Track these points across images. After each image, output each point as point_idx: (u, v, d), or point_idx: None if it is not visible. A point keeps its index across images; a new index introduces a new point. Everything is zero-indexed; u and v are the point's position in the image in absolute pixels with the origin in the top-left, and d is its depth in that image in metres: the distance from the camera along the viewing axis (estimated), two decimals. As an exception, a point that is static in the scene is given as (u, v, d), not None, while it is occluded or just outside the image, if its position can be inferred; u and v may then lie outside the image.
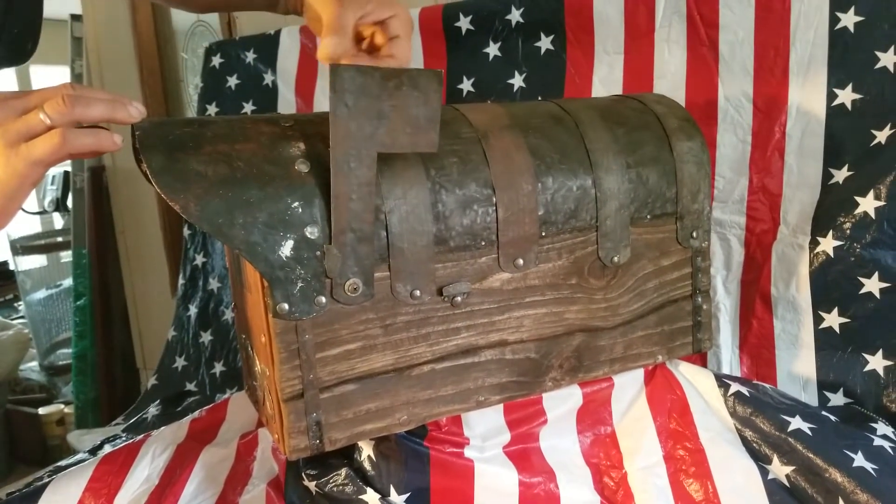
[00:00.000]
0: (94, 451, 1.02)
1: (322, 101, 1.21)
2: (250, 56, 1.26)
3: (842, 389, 0.81)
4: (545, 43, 1.01)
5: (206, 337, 1.27)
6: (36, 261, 2.33)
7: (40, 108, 0.50)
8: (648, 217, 0.69)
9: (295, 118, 0.58)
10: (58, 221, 2.75)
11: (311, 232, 0.53)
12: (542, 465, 0.66)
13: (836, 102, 0.82)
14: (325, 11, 0.61)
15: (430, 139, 0.55)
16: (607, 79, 0.97)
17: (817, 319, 0.82)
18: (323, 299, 0.55)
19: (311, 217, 0.53)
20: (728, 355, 0.89)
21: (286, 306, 0.53)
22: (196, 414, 0.76)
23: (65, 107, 0.50)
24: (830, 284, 0.81)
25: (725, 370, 0.89)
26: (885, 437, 0.70)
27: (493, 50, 1.05)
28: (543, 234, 0.63)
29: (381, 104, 0.52)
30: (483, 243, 0.61)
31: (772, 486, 0.65)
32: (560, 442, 0.68)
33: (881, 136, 0.80)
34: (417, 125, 0.54)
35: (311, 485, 0.60)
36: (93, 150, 0.52)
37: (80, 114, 0.51)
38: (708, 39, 0.90)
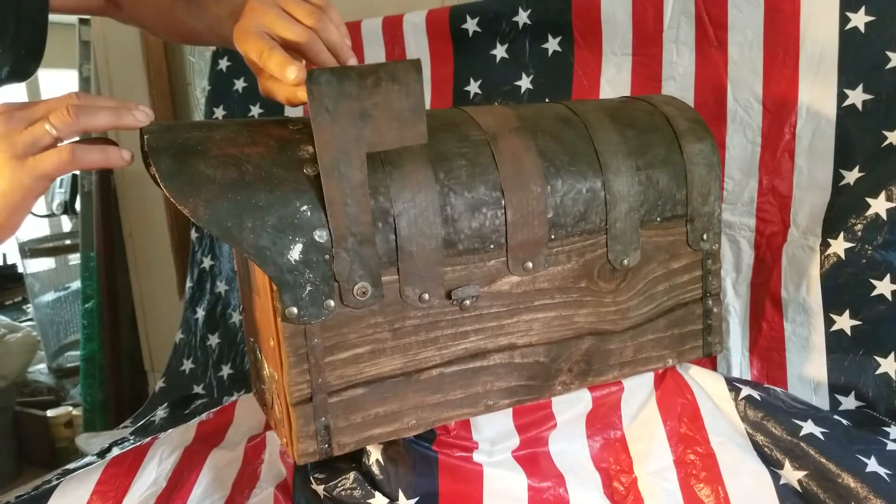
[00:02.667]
0: (102, 454, 1.02)
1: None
2: (257, 59, 1.26)
3: (853, 393, 0.80)
4: (552, 44, 1.01)
5: (214, 340, 1.28)
6: (44, 263, 2.33)
7: (46, 119, 0.50)
8: (658, 219, 0.68)
9: (303, 121, 0.58)
10: (66, 224, 2.76)
11: (320, 235, 0.53)
12: (551, 469, 0.65)
13: (846, 103, 0.82)
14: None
15: (418, 131, 0.53)
16: (615, 80, 0.97)
17: (828, 322, 0.82)
18: (332, 303, 0.54)
19: (320, 220, 0.53)
20: (738, 358, 0.89)
21: (295, 310, 0.53)
22: (203, 416, 0.76)
23: (70, 118, 0.49)
24: (841, 287, 0.81)
25: (735, 373, 0.88)
26: (898, 441, 0.69)
27: (500, 52, 1.05)
28: (553, 236, 0.63)
29: (362, 103, 0.51)
30: (492, 246, 0.60)
31: (784, 492, 0.65)
32: (569, 446, 0.67)
33: (892, 136, 0.79)
34: (403, 119, 0.53)
35: (320, 488, 0.59)
36: (101, 165, 0.52)
37: (86, 123, 0.50)
38: (717, 40, 0.89)
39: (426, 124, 0.54)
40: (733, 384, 0.72)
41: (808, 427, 0.67)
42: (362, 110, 0.52)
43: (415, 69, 0.52)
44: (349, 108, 0.51)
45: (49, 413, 1.91)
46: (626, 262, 0.67)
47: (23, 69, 0.66)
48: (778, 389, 0.74)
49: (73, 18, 1.76)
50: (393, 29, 1.11)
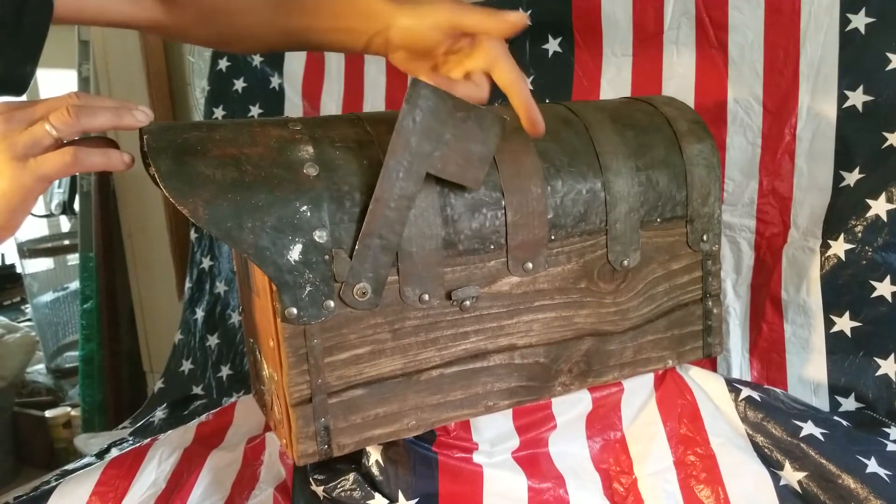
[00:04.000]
0: (101, 455, 1.01)
1: (328, 105, 1.21)
2: (257, 59, 1.26)
3: (853, 394, 0.80)
4: (553, 45, 1.00)
5: (213, 340, 1.27)
6: (43, 264, 2.33)
7: (46, 119, 0.49)
8: (658, 220, 0.68)
9: (303, 121, 0.58)
10: (65, 224, 2.75)
11: (320, 236, 0.53)
12: (551, 470, 0.65)
13: (847, 104, 0.82)
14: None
15: (475, 176, 0.57)
16: (615, 81, 0.97)
17: (828, 323, 0.82)
18: (331, 304, 0.54)
19: (320, 221, 0.53)
20: (738, 359, 0.89)
21: (294, 311, 0.53)
22: (203, 418, 0.76)
23: (70, 118, 0.49)
24: (842, 288, 0.81)
25: (735, 374, 0.88)
26: (898, 442, 0.69)
27: (500, 52, 1.04)
28: (553, 237, 0.63)
29: (444, 130, 0.54)
30: (492, 247, 0.60)
31: (784, 493, 0.65)
32: (569, 447, 0.67)
33: (893, 138, 0.79)
34: (469, 160, 0.56)
35: (319, 490, 0.59)
36: (103, 168, 0.52)
37: (86, 124, 0.50)
38: (717, 41, 0.89)
39: (484, 175, 0.57)
40: (733, 385, 0.72)
41: (809, 428, 0.67)
42: (441, 135, 0.54)
43: (500, 125, 0.56)
44: (432, 128, 0.54)
45: (47, 413, 1.90)
46: (626, 262, 0.67)
47: (15, 85, 0.64)
48: (778, 390, 0.74)
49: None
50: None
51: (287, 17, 0.65)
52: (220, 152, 0.52)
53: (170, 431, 0.75)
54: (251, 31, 0.68)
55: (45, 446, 1.90)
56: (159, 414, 1.20)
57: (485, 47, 0.59)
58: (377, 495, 0.58)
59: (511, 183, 0.60)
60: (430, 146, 0.54)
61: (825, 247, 0.82)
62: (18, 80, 0.61)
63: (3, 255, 2.78)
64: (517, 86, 0.58)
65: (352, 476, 0.59)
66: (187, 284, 1.34)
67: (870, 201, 0.78)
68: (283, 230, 0.52)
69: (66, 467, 0.98)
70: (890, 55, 0.79)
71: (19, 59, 0.59)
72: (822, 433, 0.67)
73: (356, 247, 0.54)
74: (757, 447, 0.68)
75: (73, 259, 2.18)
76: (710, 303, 0.73)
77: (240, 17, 0.67)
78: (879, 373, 0.78)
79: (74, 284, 2.07)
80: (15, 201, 0.50)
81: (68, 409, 1.93)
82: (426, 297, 0.58)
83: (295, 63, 1.23)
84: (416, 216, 0.56)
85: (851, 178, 0.81)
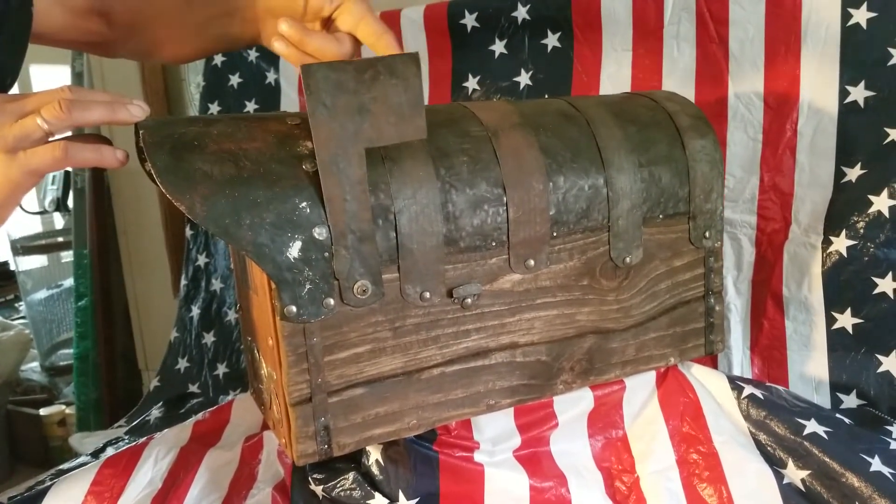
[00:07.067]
0: (96, 454, 1.01)
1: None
2: (253, 54, 1.25)
3: (855, 391, 0.80)
4: (552, 40, 1.00)
5: (209, 338, 1.26)
6: (37, 261, 2.31)
7: (38, 112, 0.48)
8: (661, 217, 0.68)
9: (302, 116, 0.57)
10: (58, 221, 2.73)
11: (320, 233, 0.52)
12: (552, 469, 0.64)
13: (848, 100, 0.81)
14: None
15: (417, 126, 0.53)
16: (615, 76, 0.96)
17: (830, 320, 0.81)
18: (331, 301, 0.53)
19: (319, 217, 0.52)
20: (739, 356, 0.88)
21: (294, 309, 0.52)
22: (200, 416, 0.75)
23: (62, 112, 0.48)
24: (843, 284, 0.80)
25: (736, 372, 0.88)
26: (900, 440, 0.69)
27: (499, 47, 1.04)
28: (555, 234, 0.62)
29: (360, 98, 0.51)
30: (493, 244, 0.60)
31: (787, 491, 0.64)
32: (571, 446, 0.67)
33: (894, 133, 0.79)
34: (402, 113, 0.52)
35: (318, 489, 0.59)
36: (94, 164, 0.51)
37: (79, 118, 0.49)
38: (718, 36, 0.89)
39: (425, 119, 0.53)
40: (736, 383, 0.71)
41: (812, 426, 0.67)
42: (360, 105, 0.51)
43: (413, 63, 0.52)
44: (347, 103, 0.50)
45: (42, 412, 1.89)
46: (628, 259, 0.66)
47: None
48: (780, 388, 0.73)
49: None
50: (390, 24, 1.09)
51: (193, 13, 0.68)
52: (217, 147, 0.51)
53: (166, 430, 0.74)
54: (170, 37, 0.70)
55: (39, 444, 1.89)
56: (155, 412, 1.20)
57: (348, 8, 0.61)
58: (377, 495, 0.58)
59: (512, 179, 0.59)
60: (354, 123, 0.51)
61: (826, 243, 0.81)
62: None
63: (-4, 252, 2.75)
64: (384, 38, 0.59)
65: (351, 475, 0.58)
66: (183, 282, 1.33)
67: (872, 197, 0.78)
68: (283, 227, 0.51)
69: (61, 467, 0.97)
70: (891, 50, 0.79)
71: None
72: (825, 431, 0.66)
73: (338, 252, 0.52)
74: (760, 445, 0.67)
75: (68, 256, 2.16)
76: (712, 300, 0.72)
77: (161, 22, 0.69)
78: (881, 370, 0.78)
79: (69, 282, 2.06)
80: (3, 195, 0.49)
81: (63, 407, 1.92)
82: (427, 294, 0.57)
83: (291, 58, 1.22)
84: (416, 213, 0.56)
85: (853, 173, 0.81)
